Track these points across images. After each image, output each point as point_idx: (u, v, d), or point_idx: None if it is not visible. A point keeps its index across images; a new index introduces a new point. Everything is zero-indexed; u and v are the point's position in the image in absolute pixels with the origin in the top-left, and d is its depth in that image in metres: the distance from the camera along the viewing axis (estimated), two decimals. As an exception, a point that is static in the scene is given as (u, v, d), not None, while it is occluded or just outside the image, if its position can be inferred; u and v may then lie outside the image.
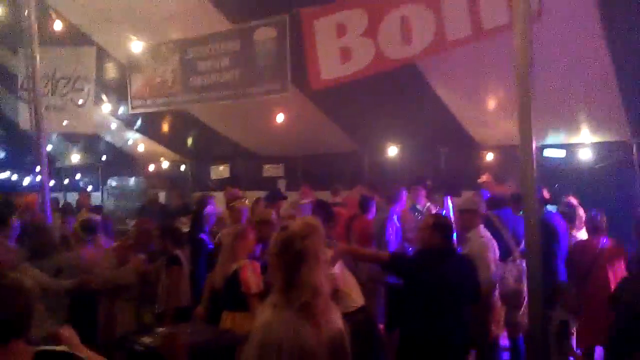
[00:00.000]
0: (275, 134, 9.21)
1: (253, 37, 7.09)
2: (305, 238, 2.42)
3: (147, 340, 3.94)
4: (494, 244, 4.97)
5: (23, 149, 12.29)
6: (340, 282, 4.23)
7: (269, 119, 8.33)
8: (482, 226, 5.07)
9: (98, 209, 9.51)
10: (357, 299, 4.41)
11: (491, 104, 7.45)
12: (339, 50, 6.36)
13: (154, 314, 5.15)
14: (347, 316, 4.17)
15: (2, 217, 5.68)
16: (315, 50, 6.50)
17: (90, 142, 12.35)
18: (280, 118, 8.19)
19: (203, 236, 6.30)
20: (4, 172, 14.23)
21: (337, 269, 4.26)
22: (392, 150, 8.98)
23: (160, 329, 4.28)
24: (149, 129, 11.01)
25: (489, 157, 8.43)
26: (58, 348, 2.25)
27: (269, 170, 11.20)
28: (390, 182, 8.18)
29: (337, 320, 2.49)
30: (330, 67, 6.44)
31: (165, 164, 12.56)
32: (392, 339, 5.01)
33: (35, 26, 6.65)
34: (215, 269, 4.88)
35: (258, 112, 8.65)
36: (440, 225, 4.01)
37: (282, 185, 10.63)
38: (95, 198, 12.80)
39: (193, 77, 7.82)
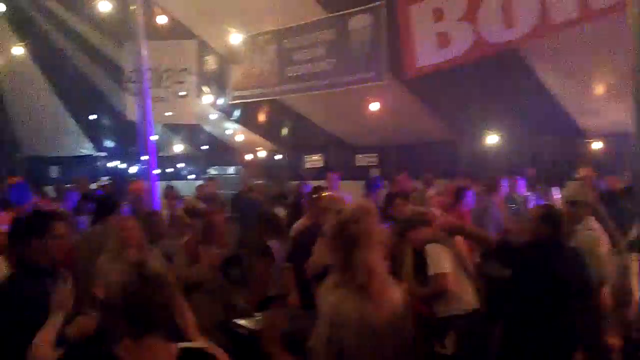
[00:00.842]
0: (369, 123, 9.16)
1: (348, 26, 7.06)
2: (358, 221, 2.51)
3: (249, 324, 4.04)
4: (604, 237, 4.64)
5: (130, 139, 13.06)
6: (451, 282, 4.11)
7: (364, 108, 8.28)
8: (592, 218, 4.75)
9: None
10: (470, 301, 4.22)
11: (600, 89, 6.99)
12: (436, 35, 6.20)
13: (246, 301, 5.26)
14: (456, 319, 4.10)
15: (114, 203, 6.03)
16: (412, 36, 6.37)
17: (192, 132, 12.87)
18: (374, 107, 8.11)
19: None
20: (113, 161, 15.16)
21: (449, 268, 4.13)
22: (492, 139, 8.66)
23: (259, 314, 4.36)
24: (247, 119, 11.29)
25: (596, 146, 7.94)
26: (197, 345, 2.20)
27: (363, 159, 11.17)
28: (488, 171, 7.90)
29: (396, 300, 2.55)
30: (426, 54, 6.30)
31: (261, 154, 12.86)
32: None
33: (142, 21, 6.94)
34: (312, 258, 4.90)
35: (352, 101, 8.62)
36: (549, 216, 3.79)
37: (375, 174, 10.57)
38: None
39: (289, 67, 7.92)
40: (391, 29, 6.65)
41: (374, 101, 8.08)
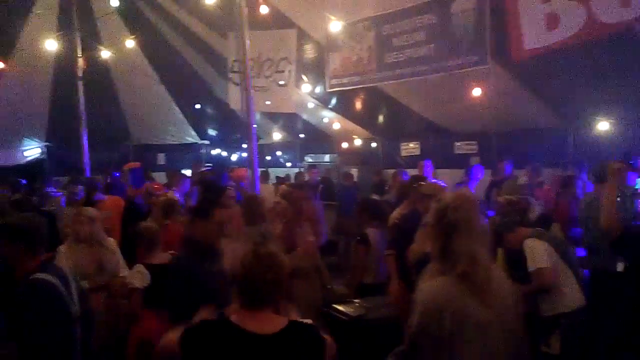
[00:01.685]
0: (469, 110, 8.90)
1: (450, 9, 6.89)
2: (458, 209, 2.49)
3: (348, 309, 4.08)
4: None
5: (232, 128, 13.53)
6: (552, 277, 3.94)
7: (464, 94, 8.06)
8: None
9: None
10: (575, 297, 4.03)
11: None
12: (545, 16, 5.91)
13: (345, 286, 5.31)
14: (561, 317, 3.92)
15: (219, 188, 6.32)
16: (518, 18, 6.12)
17: (290, 121, 13.11)
18: (476, 92, 7.87)
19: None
20: (215, 149, 15.78)
21: (548, 262, 3.97)
22: (603, 126, 8.15)
23: (357, 300, 4.39)
24: (343, 107, 11.34)
25: None
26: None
27: (462, 147, 10.89)
28: (599, 160, 7.44)
29: (504, 292, 2.49)
30: (534, 36, 6.03)
31: (357, 141, 12.88)
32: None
33: (246, 12, 7.12)
34: (412, 245, 4.86)
35: (451, 87, 8.42)
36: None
37: (475, 162, 10.28)
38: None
39: (388, 53, 7.85)
40: (495, 12, 6.41)
41: (476, 87, 7.84)
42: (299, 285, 4.96)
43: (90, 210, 4.99)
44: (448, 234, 2.47)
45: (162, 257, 4.42)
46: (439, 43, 7.22)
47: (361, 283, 5.21)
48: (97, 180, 8.26)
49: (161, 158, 14.88)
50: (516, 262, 4.02)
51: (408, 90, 9.68)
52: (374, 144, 12.83)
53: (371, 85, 9.01)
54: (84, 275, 4.42)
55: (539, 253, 3.97)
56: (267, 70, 9.78)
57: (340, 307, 4.48)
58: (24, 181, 9.84)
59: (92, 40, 10.70)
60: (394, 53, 7.79)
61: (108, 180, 9.08)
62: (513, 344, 2.46)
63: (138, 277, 4.28)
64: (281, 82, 9.83)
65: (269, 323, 2.27)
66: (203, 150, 15.71)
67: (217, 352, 2.21)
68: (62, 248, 4.64)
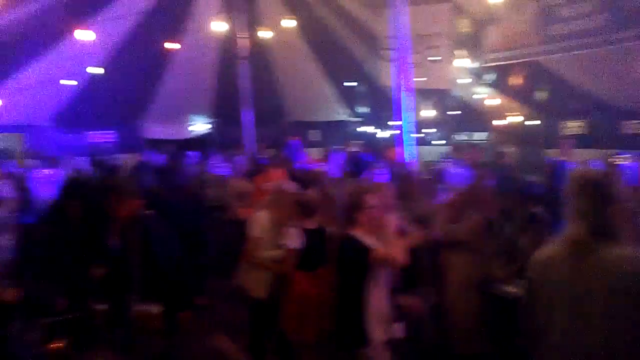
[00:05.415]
0: (640, 85, 8.11)
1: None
2: (610, 182, 2.37)
3: (513, 289, 4.03)
4: None
5: (382, 105, 13.58)
6: None
7: (636, 68, 7.36)
8: None
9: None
10: None
11: None
12: None
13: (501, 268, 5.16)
14: None
15: (366, 163, 6.43)
16: None
17: (441, 97, 12.86)
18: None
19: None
20: (365, 126, 15.92)
21: None
22: None
23: (522, 281, 4.28)
24: (499, 82, 10.89)
25: None
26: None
27: (632, 126, 9.96)
28: None
29: (624, 262, 2.23)
30: None
31: (514, 119, 12.30)
32: None
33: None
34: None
35: (624, 60, 7.71)
36: None
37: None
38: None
39: (552, 25, 7.39)
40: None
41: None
42: (460, 258, 4.98)
43: (290, 185, 5.34)
44: (602, 205, 2.33)
45: (313, 223, 4.64)
46: (611, 13, 6.65)
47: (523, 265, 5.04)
48: (259, 154, 8.79)
49: (314, 134, 15.38)
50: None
51: (572, 65, 9.03)
52: (532, 122, 12.16)
53: (532, 59, 8.55)
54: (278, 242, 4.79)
55: None
56: (420, 46, 9.67)
57: (507, 287, 4.41)
58: (192, 154, 10.68)
59: (254, 21, 11.28)
60: (559, 25, 7.32)
61: (272, 155, 9.58)
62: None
63: (293, 238, 4.54)
64: (434, 58, 9.69)
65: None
66: (353, 128, 15.95)
67: None
68: (260, 214, 4.99)
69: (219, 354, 5.98)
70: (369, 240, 3.74)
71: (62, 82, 10.35)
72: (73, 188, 4.97)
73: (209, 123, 14.76)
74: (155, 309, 3.79)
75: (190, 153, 10.48)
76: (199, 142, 14.01)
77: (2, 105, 10.02)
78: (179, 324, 3.95)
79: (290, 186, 5.19)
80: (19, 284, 3.56)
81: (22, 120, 11.65)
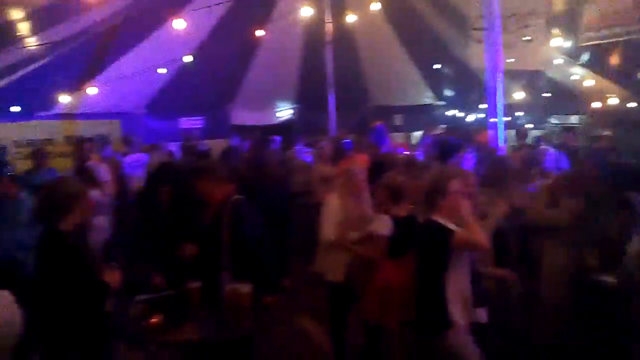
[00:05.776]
0: None
1: None
2: None
3: (609, 279, 3.86)
4: None
5: (470, 88, 13.20)
6: None
7: None
8: None
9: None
10: None
11: None
12: None
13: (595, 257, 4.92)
14: None
15: (454, 147, 6.27)
16: None
17: (533, 78, 12.31)
18: None
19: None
20: (451, 110, 15.54)
21: None
22: None
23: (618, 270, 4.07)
24: (597, 62, 10.28)
25: None
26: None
27: None
28: None
29: None
30: None
31: (612, 101, 11.58)
32: None
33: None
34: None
35: None
36: None
37: None
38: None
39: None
40: None
41: None
42: (554, 245, 4.81)
43: (355, 166, 5.36)
44: None
45: (404, 209, 4.57)
46: None
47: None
48: (344, 139, 8.79)
49: (398, 119, 15.18)
50: None
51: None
52: (632, 105, 11.41)
53: (633, 37, 8.00)
54: (353, 225, 4.80)
55: None
56: (512, 25, 9.26)
57: (605, 277, 4.22)
58: (277, 138, 10.81)
59: (338, 5, 11.23)
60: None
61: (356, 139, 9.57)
62: None
63: (383, 225, 4.49)
64: (527, 38, 9.27)
65: None
66: (438, 112, 15.60)
67: None
68: (332, 199, 5.04)
69: (303, 336, 6.09)
70: (450, 225, 3.70)
71: (158, 70, 10.75)
72: (163, 173, 5.18)
73: (293, 108, 14.90)
74: (245, 288, 3.89)
75: (275, 138, 10.62)
76: (284, 128, 14.20)
77: (101, 94, 10.58)
78: (265, 305, 4.03)
79: (360, 170, 5.17)
80: (117, 263, 3.75)
81: (119, 107, 12.25)
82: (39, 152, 8.09)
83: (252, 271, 4.09)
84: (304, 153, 9.90)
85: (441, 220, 3.72)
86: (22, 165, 9.24)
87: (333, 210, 4.91)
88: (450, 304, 3.62)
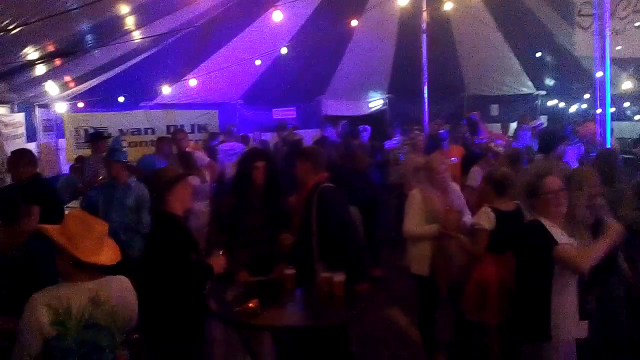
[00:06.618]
0: None
1: None
2: None
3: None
4: None
5: (573, 76, 12.51)
6: None
7: None
8: None
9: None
10: None
11: None
12: None
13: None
14: None
15: (557, 138, 5.99)
16: None
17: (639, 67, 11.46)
18: None
19: None
20: (551, 99, 14.79)
21: None
22: None
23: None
24: None
25: None
26: None
27: None
28: None
29: None
30: None
31: None
32: None
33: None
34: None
35: None
36: None
37: None
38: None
39: None
40: None
41: None
42: None
43: (437, 158, 5.28)
44: None
45: (509, 204, 4.42)
46: None
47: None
48: (438, 129, 8.65)
49: (494, 109, 14.63)
50: None
51: None
52: None
53: None
54: (435, 218, 4.73)
55: None
56: (623, 10, 8.64)
57: None
58: (367, 128, 10.68)
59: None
60: None
61: (450, 130, 9.36)
62: None
63: (485, 218, 4.36)
64: (638, 24, 8.60)
65: None
66: (538, 101, 14.88)
67: None
68: (415, 192, 5.00)
69: (392, 326, 6.08)
70: (556, 230, 3.39)
71: (256, 62, 11.00)
72: (258, 151, 5.32)
73: (386, 98, 14.78)
74: (338, 276, 3.93)
75: (367, 128, 10.58)
76: (377, 118, 14.12)
77: (200, 85, 11.00)
78: (356, 295, 4.05)
79: (443, 161, 5.06)
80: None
81: (216, 98, 12.69)
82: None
83: (342, 259, 4.13)
84: (398, 143, 9.81)
85: (547, 222, 3.41)
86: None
87: (416, 202, 4.86)
88: (553, 315, 3.35)
